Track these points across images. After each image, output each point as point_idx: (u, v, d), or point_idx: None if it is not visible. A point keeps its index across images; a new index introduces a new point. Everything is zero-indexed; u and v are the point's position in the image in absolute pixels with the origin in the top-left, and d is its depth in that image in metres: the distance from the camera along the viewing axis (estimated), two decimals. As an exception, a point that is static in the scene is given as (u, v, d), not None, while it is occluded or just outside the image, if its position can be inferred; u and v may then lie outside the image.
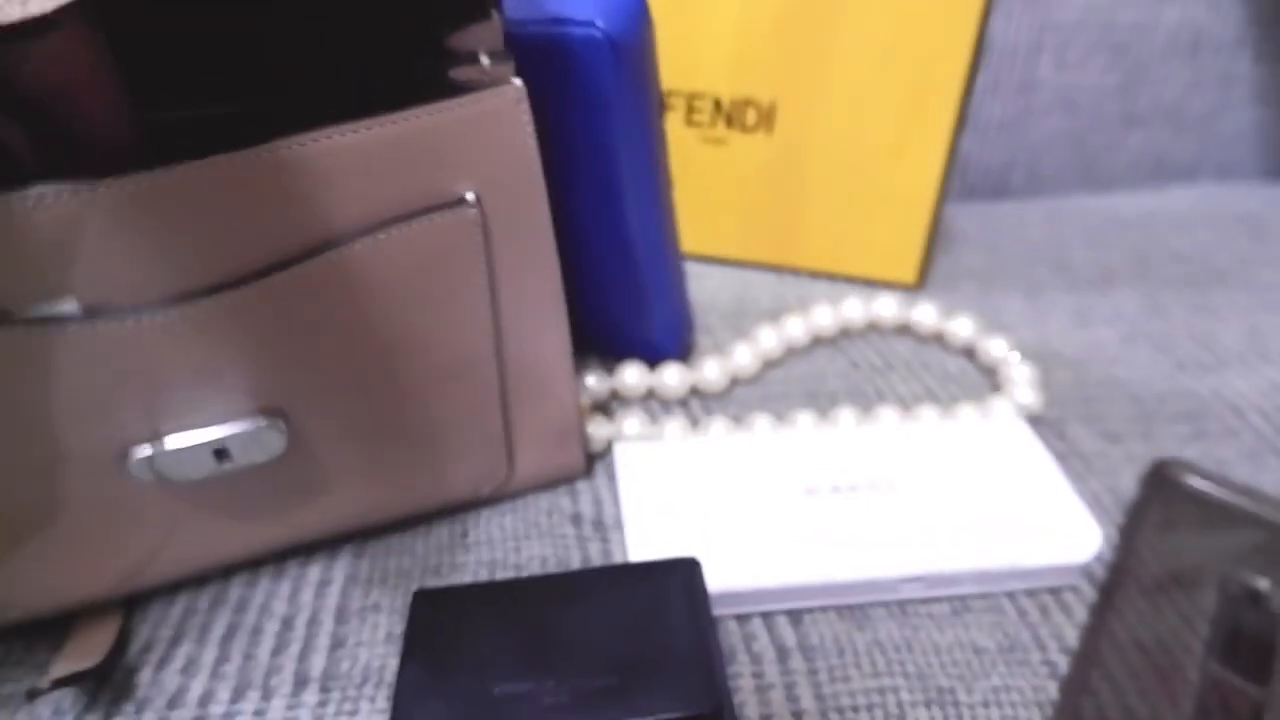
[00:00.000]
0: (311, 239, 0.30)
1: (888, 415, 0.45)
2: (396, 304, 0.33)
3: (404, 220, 0.31)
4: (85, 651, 0.33)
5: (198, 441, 0.32)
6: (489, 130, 0.31)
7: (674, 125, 0.57)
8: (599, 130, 0.40)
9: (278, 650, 0.35)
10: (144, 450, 0.31)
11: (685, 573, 0.34)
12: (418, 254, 0.32)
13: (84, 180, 0.26)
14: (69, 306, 0.28)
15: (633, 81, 0.39)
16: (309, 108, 0.30)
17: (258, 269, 0.30)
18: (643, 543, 0.38)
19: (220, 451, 0.32)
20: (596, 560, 0.39)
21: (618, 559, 0.39)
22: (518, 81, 0.31)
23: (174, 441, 0.32)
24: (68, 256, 0.27)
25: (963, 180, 0.75)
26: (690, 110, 0.56)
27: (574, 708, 0.30)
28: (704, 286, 0.59)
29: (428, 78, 0.31)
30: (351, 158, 0.30)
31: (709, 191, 0.59)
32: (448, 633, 0.32)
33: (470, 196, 0.32)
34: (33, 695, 0.31)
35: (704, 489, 0.40)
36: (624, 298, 0.47)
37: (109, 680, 0.34)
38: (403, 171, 0.31)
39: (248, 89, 0.32)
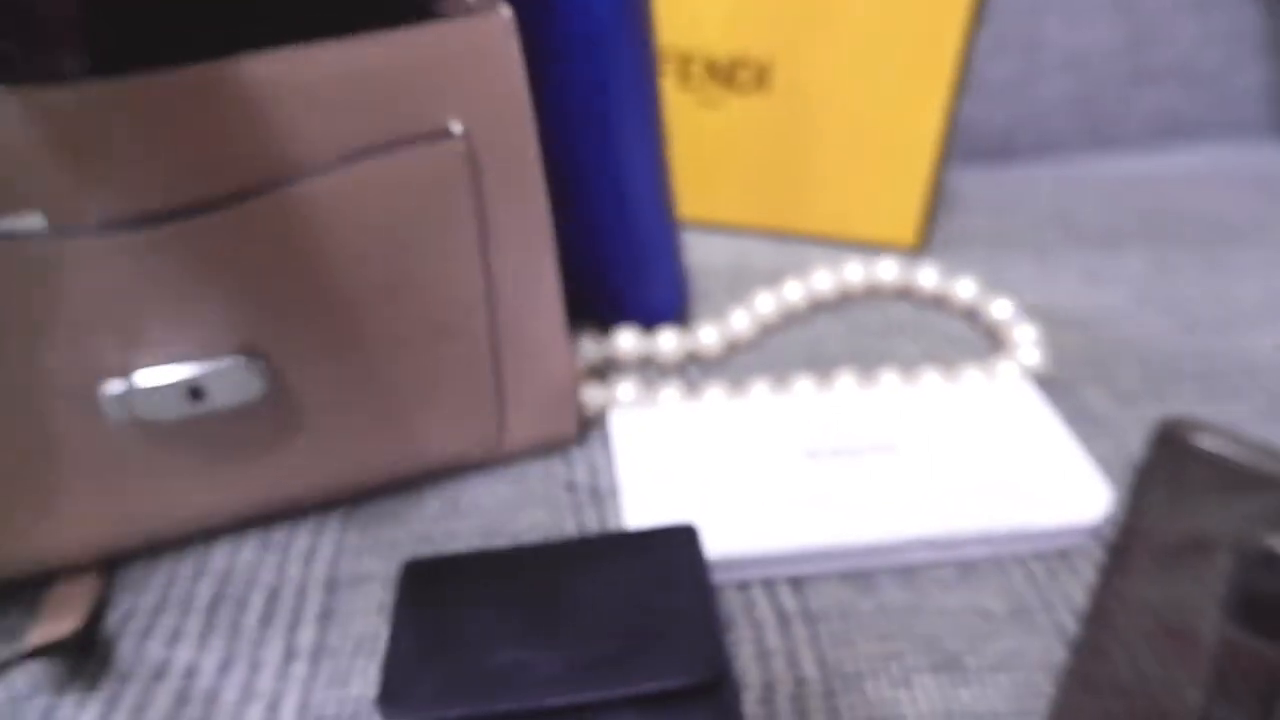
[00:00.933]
0: (288, 164, 0.29)
1: (889, 378, 0.44)
2: (381, 241, 0.32)
3: (387, 150, 0.30)
4: (63, 618, 0.32)
5: (172, 378, 0.31)
6: (476, 60, 0.30)
7: (668, 89, 0.55)
8: (596, 75, 0.39)
9: (265, 621, 0.35)
10: (117, 385, 0.30)
11: (683, 539, 0.33)
12: (402, 188, 0.31)
13: (41, 86, 0.25)
14: (35, 222, 0.27)
15: (630, 22, 0.37)
16: (284, 26, 0.29)
17: (231, 193, 0.29)
18: (639, 509, 0.36)
19: (196, 390, 0.31)
20: (592, 528, 0.38)
21: (613, 526, 0.38)
22: (506, 10, 0.30)
23: (147, 377, 0.30)
24: (29, 168, 0.26)
25: (968, 143, 0.73)
26: (684, 73, 0.54)
27: (569, 677, 0.29)
28: (701, 253, 0.58)
29: (412, 2, 0.30)
30: (330, 80, 0.28)
31: (705, 156, 0.57)
32: (440, 602, 0.32)
33: (457, 129, 0.31)
34: (5, 667, 0.30)
35: (701, 454, 0.39)
36: (620, 258, 0.46)
37: (89, 651, 0.33)
38: (385, 98, 0.29)
39: (220, 3, 0.31)
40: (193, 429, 0.33)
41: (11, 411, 0.30)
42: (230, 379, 0.31)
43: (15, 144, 0.26)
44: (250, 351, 0.32)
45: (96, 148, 0.26)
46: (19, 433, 0.30)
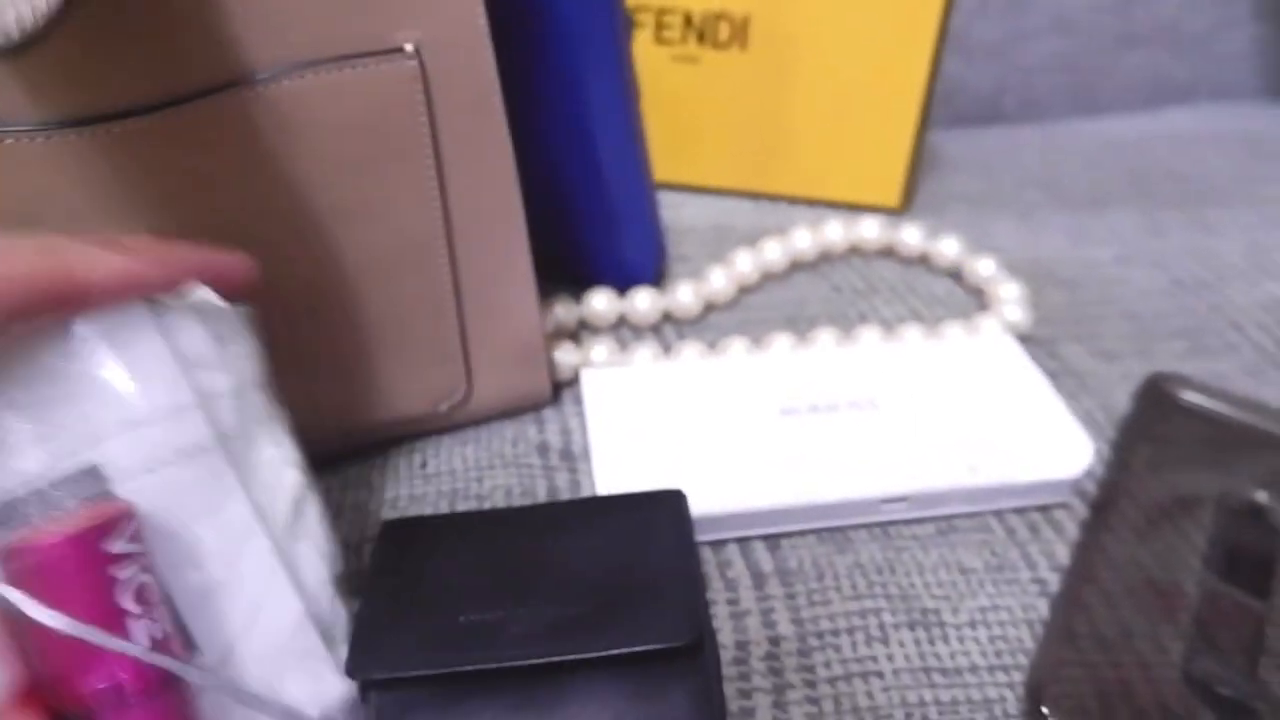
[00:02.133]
0: (234, 70, 0.28)
1: (870, 336, 0.43)
2: (329, 162, 0.31)
3: (334, 63, 0.29)
4: None
5: None
6: None
7: (643, 44, 0.54)
8: (563, 29, 0.38)
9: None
10: None
11: (670, 505, 0.32)
12: (353, 106, 0.30)
13: None
14: None
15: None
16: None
17: (175, 96, 0.27)
18: (611, 471, 0.35)
19: None
20: (564, 491, 0.37)
21: (586, 490, 0.37)
22: None
23: None
24: None
25: (952, 107, 0.72)
26: (659, 26, 0.53)
27: (543, 637, 0.28)
28: (679, 215, 0.56)
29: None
30: None
31: (682, 115, 0.56)
32: (415, 563, 0.31)
33: (409, 48, 0.30)
34: None
35: (675, 415, 0.38)
36: (593, 218, 0.45)
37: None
38: (334, 10, 0.28)
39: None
40: None
41: None
42: None
43: None
44: None
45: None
46: None
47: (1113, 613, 0.32)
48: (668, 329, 0.47)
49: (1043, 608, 0.32)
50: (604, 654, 0.27)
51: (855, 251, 0.52)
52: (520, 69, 0.38)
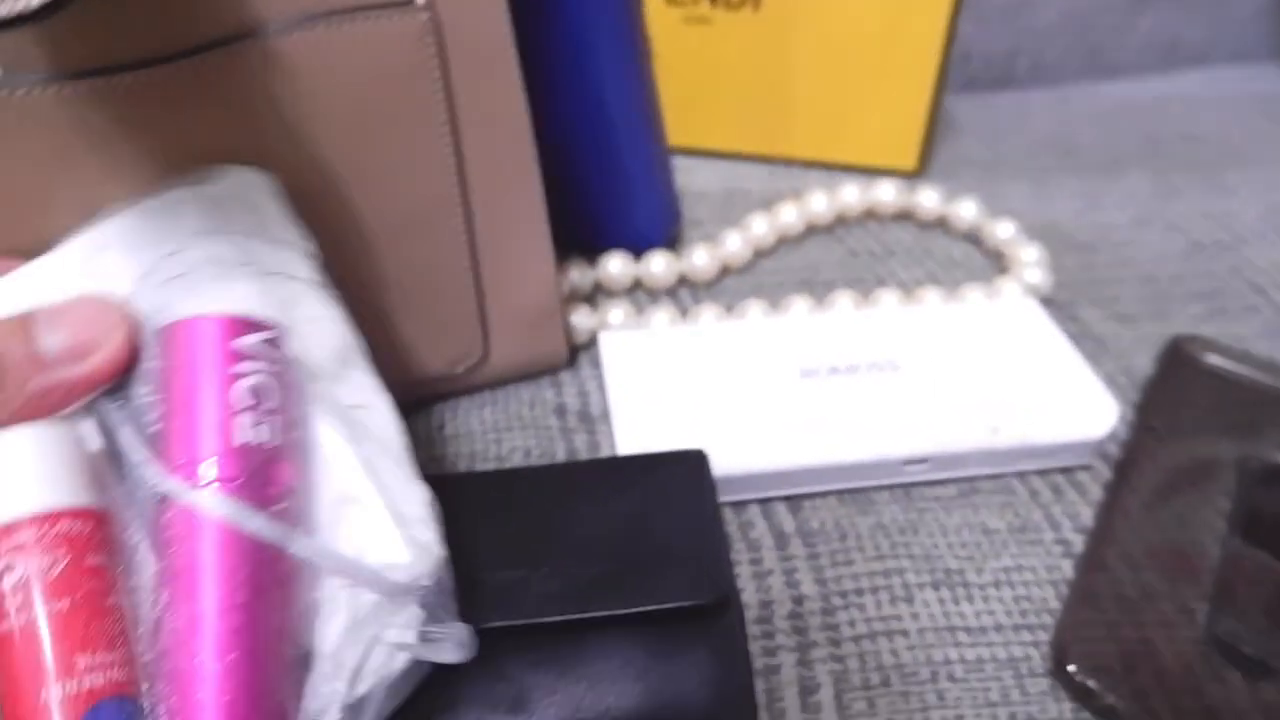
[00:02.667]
0: (237, 21, 0.27)
1: (889, 298, 0.43)
2: (343, 119, 0.30)
3: (345, 15, 0.28)
4: None
5: None
6: None
7: (655, 4, 0.53)
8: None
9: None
10: None
11: (692, 464, 0.32)
12: (364, 60, 0.29)
13: None
14: None
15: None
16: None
17: (187, 47, 0.27)
18: (631, 433, 0.35)
19: None
20: (582, 453, 0.37)
21: (604, 451, 0.37)
22: None
23: None
24: None
25: (963, 70, 0.71)
26: (673, -15, 0.52)
27: (567, 595, 0.28)
28: (691, 180, 0.55)
29: None
30: None
31: (695, 78, 0.55)
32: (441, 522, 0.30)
33: (420, 0, 0.29)
34: None
35: (694, 377, 0.37)
36: (606, 182, 0.44)
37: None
38: None
39: None
40: None
41: None
42: None
43: None
44: None
45: None
46: None
47: (1136, 574, 0.32)
48: (683, 293, 0.46)
49: (1067, 568, 0.32)
50: (627, 612, 0.27)
51: (871, 215, 0.52)
52: (531, 30, 0.38)
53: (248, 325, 0.24)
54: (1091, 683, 0.28)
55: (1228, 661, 0.29)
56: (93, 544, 0.22)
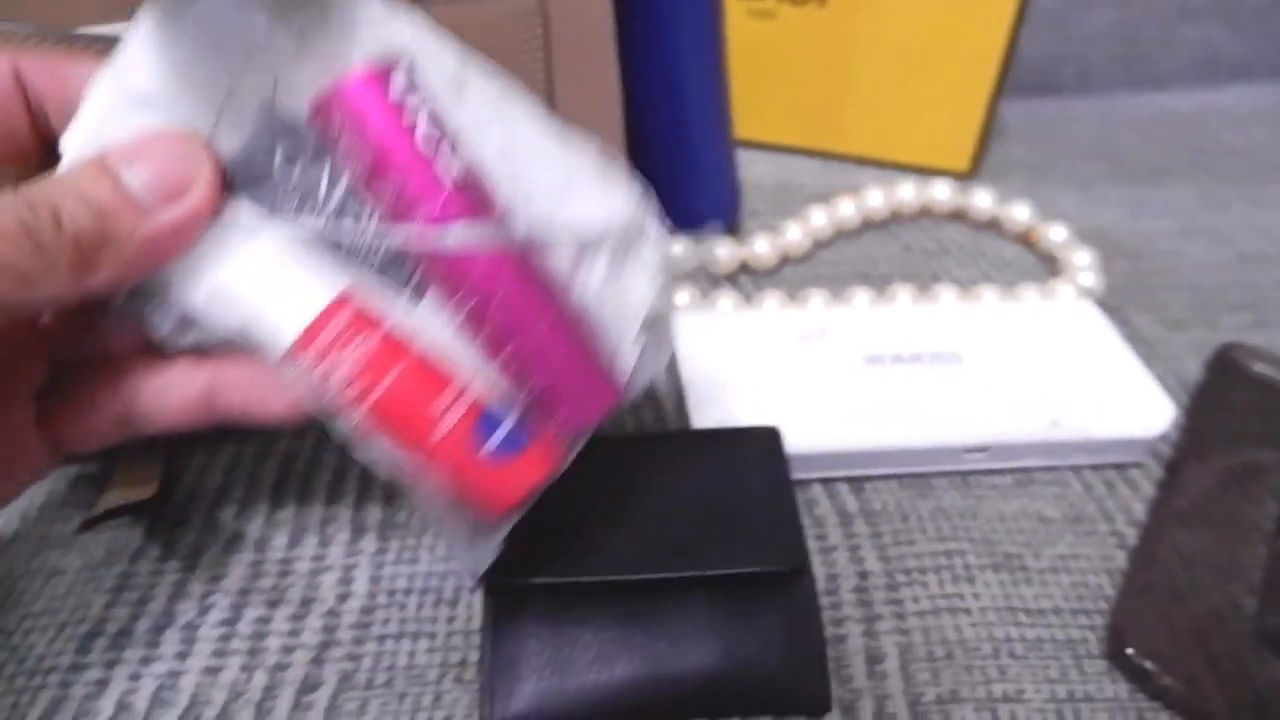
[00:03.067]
0: None
1: (948, 295, 0.44)
2: None
3: None
4: (136, 486, 0.32)
5: None
6: None
7: (725, -5, 0.54)
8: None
9: (331, 500, 0.35)
10: None
11: (766, 440, 0.33)
12: (474, 37, 0.30)
13: None
14: (123, 28, 0.26)
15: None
16: None
17: None
18: (704, 409, 0.37)
19: None
20: (650, 427, 0.39)
21: (671, 426, 0.38)
22: None
23: None
24: None
25: (1009, 75, 0.72)
26: (741, -23, 0.53)
27: (651, 556, 0.29)
28: (747, 171, 0.56)
29: None
30: None
31: (754, 71, 0.56)
32: None
33: None
34: (87, 525, 0.30)
35: (762, 358, 0.39)
36: (675, 162, 0.45)
37: (161, 518, 0.34)
38: None
39: None
40: None
41: None
42: None
43: None
44: None
45: None
46: None
47: (1187, 570, 0.33)
48: (743, 279, 0.48)
49: (1121, 559, 0.34)
50: (710, 574, 0.29)
51: (925, 213, 0.53)
52: (618, 13, 0.39)
53: (388, 71, 0.24)
54: (1148, 665, 0.30)
55: (1275, 654, 0.31)
56: (373, 317, 0.24)
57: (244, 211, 0.24)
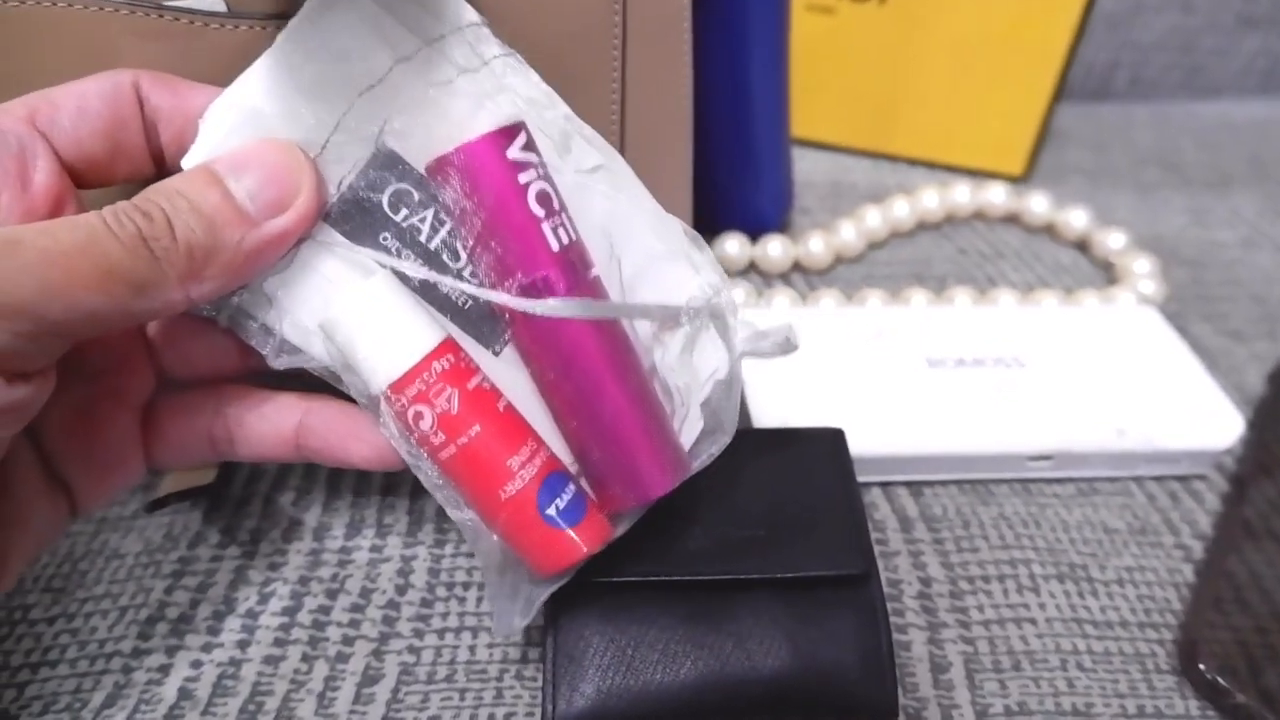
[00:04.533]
0: None
1: (1007, 298, 0.43)
2: None
3: None
4: (193, 472, 0.32)
5: None
6: None
7: (782, -9, 0.53)
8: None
9: (389, 490, 0.35)
10: None
11: (831, 441, 0.33)
12: (556, 20, 0.30)
13: None
14: (214, 1, 0.27)
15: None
16: None
17: None
18: (766, 408, 0.36)
19: None
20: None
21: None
22: None
23: None
24: None
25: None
26: (801, -27, 0.53)
27: (718, 555, 0.29)
28: (798, 168, 0.56)
29: None
30: None
31: (810, 67, 0.55)
32: None
33: None
34: (152, 508, 0.30)
35: (821, 358, 0.38)
36: (734, 158, 0.45)
37: (219, 504, 0.34)
38: None
39: None
40: None
41: None
42: None
43: None
44: None
45: None
46: None
47: (1257, 585, 0.33)
48: (795, 277, 0.47)
49: (1187, 572, 0.33)
50: (780, 576, 0.28)
51: (979, 216, 0.52)
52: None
53: (509, 133, 0.24)
54: (1222, 681, 0.29)
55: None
56: (464, 369, 0.24)
57: (342, 241, 0.24)
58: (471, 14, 0.25)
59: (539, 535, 0.24)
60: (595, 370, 0.25)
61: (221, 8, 0.27)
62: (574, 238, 0.25)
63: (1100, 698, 0.29)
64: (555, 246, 0.24)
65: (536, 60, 0.31)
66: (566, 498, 0.25)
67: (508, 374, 0.26)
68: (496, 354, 0.26)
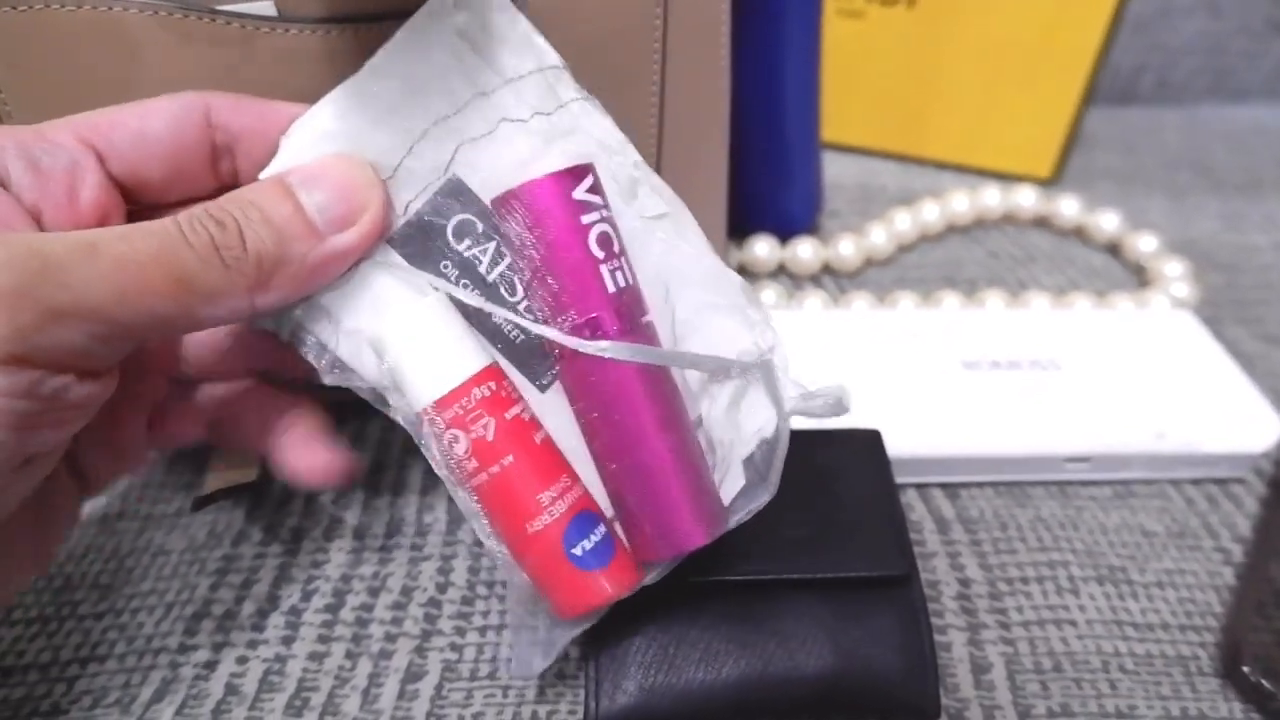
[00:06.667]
0: None
1: (1039, 301, 0.43)
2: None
3: None
4: (235, 470, 0.32)
5: None
6: None
7: (811, -5, 0.53)
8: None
9: (426, 490, 0.35)
10: None
11: (869, 442, 0.33)
12: (599, 19, 0.30)
13: None
14: (265, 6, 0.27)
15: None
16: None
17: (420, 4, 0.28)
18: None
19: None
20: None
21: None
22: None
23: None
24: None
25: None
26: (831, -23, 0.53)
27: (762, 556, 0.29)
28: (828, 172, 0.56)
29: None
30: None
31: (840, 71, 0.56)
32: None
33: None
34: (196, 506, 0.30)
35: (855, 359, 0.38)
36: (767, 160, 0.45)
37: (261, 502, 0.34)
38: None
39: None
40: None
41: None
42: None
43: None
44: None
45: None
46: None
47: (1299, 586, 0.32)
48: (826, 279, 0.47)
49: (1228, 575, 0.33)
50: (824, 577, 0.28)
51: (1009, 219, 0.52)
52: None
53: (576, 174, 0.24)
54: (1266, 684, 0.29)
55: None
56: (504, 397, 0.24)
57: (401, 263, 0.24)
58: (553, 57, 0.26)
59: (564, 574, 0.24)
60: (639, 415, 0.24)
61: (272, 12, 0.27)
62: (631, 282, 0.25)
63: (1144, 700, 0.29)
64: (611, 289, 0.24)
65: (579, 58, 0.31)
66: (595, 539, 0.24)
67: (552, 411, 0.25)
68: (543, 390, 0.26)
